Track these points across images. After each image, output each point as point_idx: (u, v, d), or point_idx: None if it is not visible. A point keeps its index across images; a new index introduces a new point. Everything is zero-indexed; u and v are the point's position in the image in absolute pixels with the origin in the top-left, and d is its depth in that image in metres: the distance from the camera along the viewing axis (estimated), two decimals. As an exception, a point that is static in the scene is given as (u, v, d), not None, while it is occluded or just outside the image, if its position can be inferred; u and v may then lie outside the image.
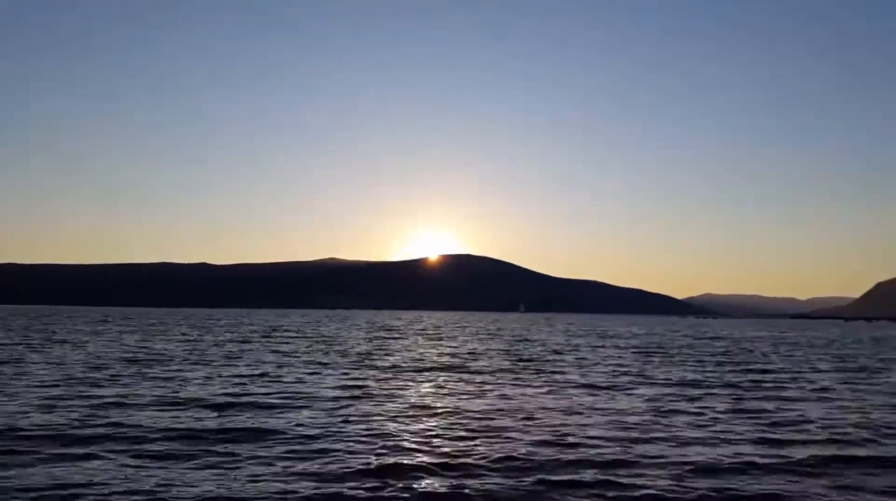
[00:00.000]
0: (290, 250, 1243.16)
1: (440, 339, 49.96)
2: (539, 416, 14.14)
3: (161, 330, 57.44)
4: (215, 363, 25.56)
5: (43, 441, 10.91)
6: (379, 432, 12.12)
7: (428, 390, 18.56)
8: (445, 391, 18.30)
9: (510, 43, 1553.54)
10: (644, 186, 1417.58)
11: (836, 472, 9.89)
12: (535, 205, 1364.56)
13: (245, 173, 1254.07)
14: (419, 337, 52.11)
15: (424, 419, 13.62)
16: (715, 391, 19.32)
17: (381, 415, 13.94)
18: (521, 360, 29.65)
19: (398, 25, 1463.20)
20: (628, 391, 18.74)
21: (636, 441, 11.69)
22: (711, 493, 8.66)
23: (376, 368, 24.81)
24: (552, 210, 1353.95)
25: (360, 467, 9.60)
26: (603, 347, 41.88)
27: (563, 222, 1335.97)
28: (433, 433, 12.16)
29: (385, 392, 17.70)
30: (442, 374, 22.94)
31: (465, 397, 17.06)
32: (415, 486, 8.77)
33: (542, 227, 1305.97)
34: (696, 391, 19.07)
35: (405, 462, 9.95)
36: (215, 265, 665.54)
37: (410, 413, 14.31)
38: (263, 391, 17.46)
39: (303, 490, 8.46)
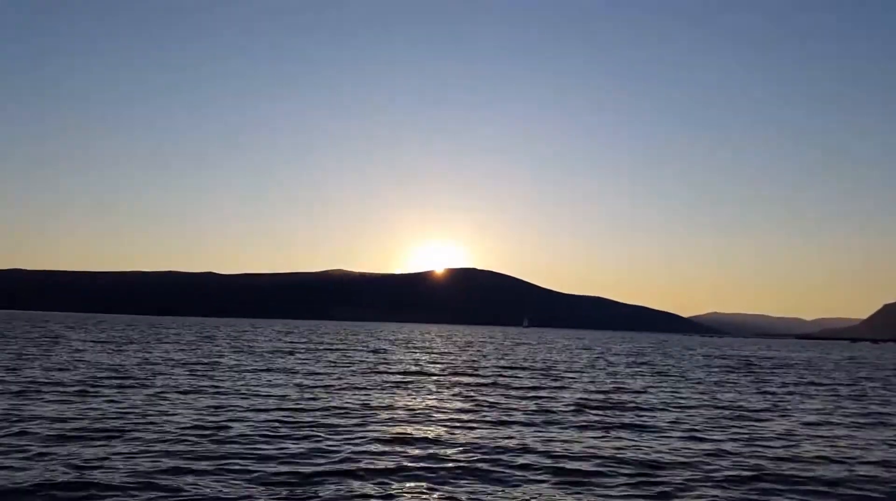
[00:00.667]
0: (297, 260, 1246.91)
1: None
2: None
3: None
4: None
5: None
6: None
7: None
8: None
9: (522, 54, 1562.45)
10: (652, 203, 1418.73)
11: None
12: (540, 220, 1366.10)
13: (252, 183, 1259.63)
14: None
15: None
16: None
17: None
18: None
19: (411, 39, 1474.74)
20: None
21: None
22: None
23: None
24: (558, 225, 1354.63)
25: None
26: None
27: (568, 237, 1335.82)
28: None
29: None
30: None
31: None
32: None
33: (547, 242, 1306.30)
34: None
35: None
36: (221, 275, 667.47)
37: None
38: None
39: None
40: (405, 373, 30.59)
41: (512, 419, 16.46)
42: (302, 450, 11.78)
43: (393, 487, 9.57)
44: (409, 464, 10.87)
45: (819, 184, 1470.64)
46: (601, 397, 22.51)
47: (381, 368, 33.42)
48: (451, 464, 10.86)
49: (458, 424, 15.18)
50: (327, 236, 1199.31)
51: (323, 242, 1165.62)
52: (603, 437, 14.22)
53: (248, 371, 28.04)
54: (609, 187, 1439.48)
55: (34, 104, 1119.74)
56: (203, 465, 10.48)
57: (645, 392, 24.77)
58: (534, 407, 19.11)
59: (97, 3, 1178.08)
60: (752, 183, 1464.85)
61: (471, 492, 9.44)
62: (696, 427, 16.13)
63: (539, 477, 10.50)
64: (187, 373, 26.26)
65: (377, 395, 21.04)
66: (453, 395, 21.89)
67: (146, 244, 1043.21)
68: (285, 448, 11.87)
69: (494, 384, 26.47)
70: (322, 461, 11.02)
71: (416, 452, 11.83)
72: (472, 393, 22.50)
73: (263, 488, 9.32)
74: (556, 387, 25.66)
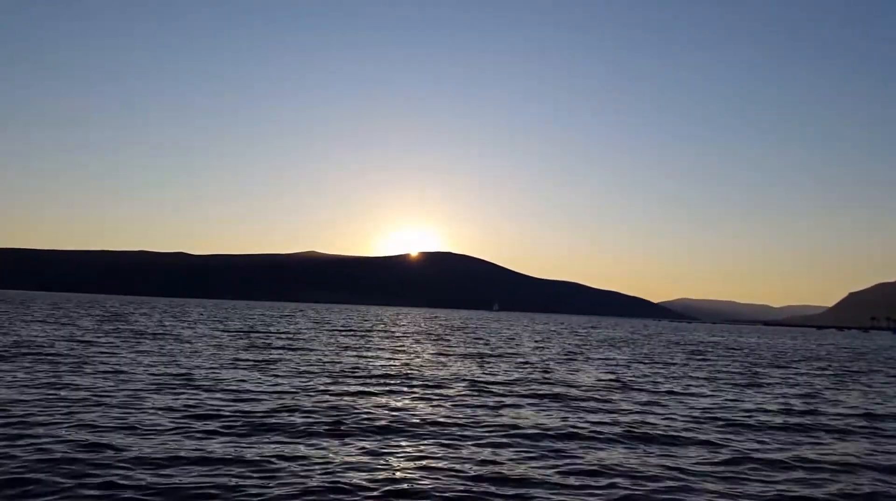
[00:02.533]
0: (270, 242, 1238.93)
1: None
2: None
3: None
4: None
5: None
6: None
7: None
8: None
9: (495, 46, 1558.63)
10: (624, 191, 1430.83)
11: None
12: (515, 206, 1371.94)
13: (226, 165, 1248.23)
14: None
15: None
16: None
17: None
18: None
19: (386, 25, 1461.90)
20: None
21: None
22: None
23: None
24: (532, 211, 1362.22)
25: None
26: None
27: (542, 223, 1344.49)
28: None
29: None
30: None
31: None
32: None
33: (521, 227, 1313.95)
34: None
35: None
36: (193, 255, 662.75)
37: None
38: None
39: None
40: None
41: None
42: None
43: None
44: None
45: (788, 175, 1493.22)
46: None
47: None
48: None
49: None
50: (301, 218, 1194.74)
51: (297, 224, 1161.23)
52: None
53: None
54: (583, 177, 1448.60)
55: (7, 87, 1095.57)
56: None
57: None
58: None
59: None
60: (723, 174, 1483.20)
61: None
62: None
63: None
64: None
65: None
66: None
67: (117, 223, 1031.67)
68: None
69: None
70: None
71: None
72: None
73: None
74: None
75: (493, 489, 7.41)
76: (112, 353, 20.66)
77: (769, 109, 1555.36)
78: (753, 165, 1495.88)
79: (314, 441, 9.35)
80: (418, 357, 24.36)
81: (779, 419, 13.32)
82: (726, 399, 16.24)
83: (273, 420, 10.55)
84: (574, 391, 16.25)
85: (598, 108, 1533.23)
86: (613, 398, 15.52)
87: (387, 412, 11.96)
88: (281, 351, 23.84)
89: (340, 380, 16.17)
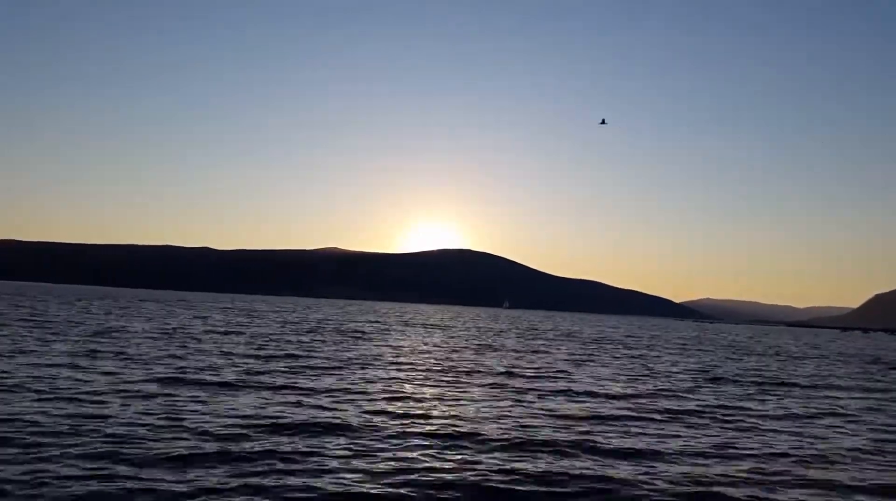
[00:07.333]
0: (292, 238, 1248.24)
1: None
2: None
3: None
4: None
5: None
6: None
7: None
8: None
9: (518, 40, 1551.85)
10: (647, 189, 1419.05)
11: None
12: (536, 204, 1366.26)
13: (250, 160, 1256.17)
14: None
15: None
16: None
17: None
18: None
19: (407, 15, 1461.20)
20: None
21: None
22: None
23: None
24: (553, 209, 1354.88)
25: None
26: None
27: (563, 221, 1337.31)
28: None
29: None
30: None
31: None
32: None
33: (542, 225, 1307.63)
34: None
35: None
36: (217, 250, 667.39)
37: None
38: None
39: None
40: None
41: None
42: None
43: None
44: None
45: (813, 174, 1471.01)
46: None
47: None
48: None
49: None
50: (323, 214, 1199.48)
51: (319, 220, 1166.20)
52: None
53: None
54: (606, 175, 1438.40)
55: (30, 77, 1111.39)
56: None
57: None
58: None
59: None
60: (747, 172, 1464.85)
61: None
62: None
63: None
64: None
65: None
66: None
67: (142, 218, 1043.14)
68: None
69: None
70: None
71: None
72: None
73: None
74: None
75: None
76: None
77: (793, 110, 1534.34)
78: (779, 164, 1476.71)
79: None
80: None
81: None
82: None
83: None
84: None
85: (621, 104, 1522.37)
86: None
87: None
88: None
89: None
